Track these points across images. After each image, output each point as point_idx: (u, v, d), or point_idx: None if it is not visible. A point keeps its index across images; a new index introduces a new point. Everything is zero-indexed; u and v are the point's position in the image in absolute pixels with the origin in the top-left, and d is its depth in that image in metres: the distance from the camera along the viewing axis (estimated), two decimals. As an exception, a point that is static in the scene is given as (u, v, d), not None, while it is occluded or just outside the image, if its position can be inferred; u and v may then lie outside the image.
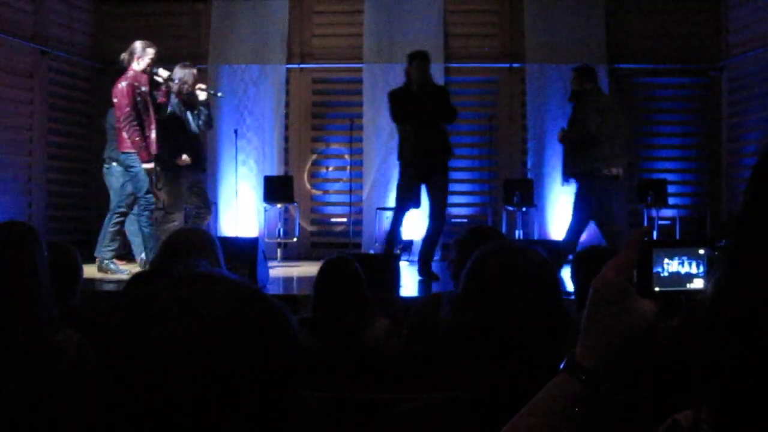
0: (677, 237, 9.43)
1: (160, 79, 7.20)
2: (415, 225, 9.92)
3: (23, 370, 2.15)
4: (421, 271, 7.15)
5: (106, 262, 7.43)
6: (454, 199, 10.57)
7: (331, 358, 3.12)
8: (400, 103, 7.15)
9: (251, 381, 0.91)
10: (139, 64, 7.03)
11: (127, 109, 6.84)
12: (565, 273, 5.31)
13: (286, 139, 10.72)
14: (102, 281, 6.86)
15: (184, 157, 7.13)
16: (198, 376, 0.89)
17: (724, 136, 10.17)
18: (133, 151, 6.96)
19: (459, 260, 3.28)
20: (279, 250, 10.05)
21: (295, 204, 10.29)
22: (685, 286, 0.98)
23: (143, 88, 6.99)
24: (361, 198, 10.38)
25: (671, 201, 10.00)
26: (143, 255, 7.41)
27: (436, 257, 9.93)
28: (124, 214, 7.50)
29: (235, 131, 10.06)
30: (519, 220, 10.12)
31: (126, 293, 3.17)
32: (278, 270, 8.49)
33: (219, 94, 8.54)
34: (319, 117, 10.89)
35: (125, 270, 7.35)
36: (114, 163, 7.74)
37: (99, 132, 10.55)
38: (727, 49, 10.07)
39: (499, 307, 1.62)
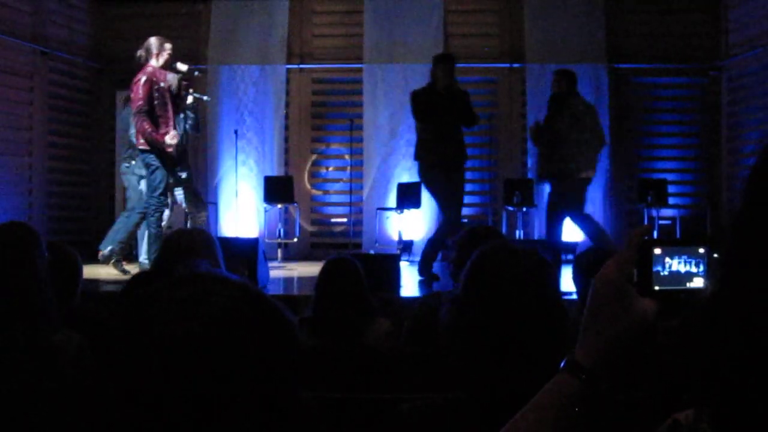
0: (677, 236, 9.43)
1: (179, 74, 7.20)
2: (415, 225, 9.95)
3: (23, 370, 2.15)
4: (421, 271, 7.14)
5: (115, 261, 7.45)
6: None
7: (331, 358, 3.12)
8: (424, 103, 7.17)
9: (252, 381, 0.91)
10: (158, 61, 7.00)
11: (140, 102, 6.81)
12: (565, 273, 5.32)
13: (286, 140, 10.72)
14: (102, 282, 6.86)
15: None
16: (198, 376, 0.89)
17: (723, 135, 10.17)
18: (147, 149, 6.94)
19: (458, 260, 3.29)
20: (279, 251, 10.05)
21: (295, 204, 10.29)
22: (685, 284, 0.98)
23: (162, 84, 6.95)
24: (362, 198, 10.38)
25: (671, 201, 10.00)
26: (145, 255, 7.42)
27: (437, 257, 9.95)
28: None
29: (235, 132, 10.06)
30: (519, 220, 10.13)
31: (126, 294, 3.17)
32: (278, 270, 8.49)
33: (205, 98, 8.49)
34: (319, 117, 10.89)
35: (128, 272, 7.35)
36: (133, 162, 7.77)
37: (98, 132, 10.59)
38: (726, 48, 10.08)
39: (498, 307, 1.62)
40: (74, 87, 10.34)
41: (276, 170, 10.50)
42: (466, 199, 10.49)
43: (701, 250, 0.99)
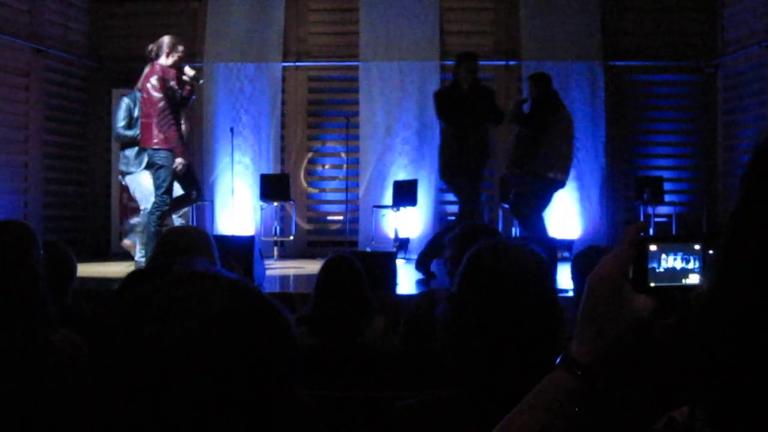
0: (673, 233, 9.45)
1: (186, 78, 7.19)
2: (411, 223, 9.95)
3: (20, 370, 2.14)
4: (419, 267, 7.11)
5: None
6: (451, 196, 10.58)
7: (330, 357, 3.12)
8: (447, 103, 7.14)
9: (249, 379, 0.91)
10: (167, 60, 7.00)
11: (162, 103, 6.81)
12: (562, 270, 5.33)
13: (282, 137, 10.72)
14: (96, 280, 6.84)
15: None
16: (196, 374, 0.89)
17: (720, 133, 10.19)
18: (162, 147, 6.91)
19: (455, 258, 3.28)
20: (275, 249, 10.05)
21: (292, 202, 10.28)
22: (681, 281, 0.98)
23: (171, 83, 6.96)
24: (358, 196, 10.39)
25: (667, 198, 10.01)
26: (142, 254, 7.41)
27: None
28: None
29: (231, 129, 10.05)
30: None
31: (122, 292, 3.16)
32: (275, 268, 8.49)
33: (201, 81, 8.34)
34: (315, 115, 10.89)
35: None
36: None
37: (94, 130, 10.57)
38: (722, 46, 10.09)
39: (494, 305, 1.62)
40: (70, 85, 10.32)
41: (272, 168, 10.49)
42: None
43: (697, 247, 0.99)
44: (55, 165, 9.95)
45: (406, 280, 7.03)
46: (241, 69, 10.57)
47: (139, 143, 7.27)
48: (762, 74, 9.08)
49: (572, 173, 10.02)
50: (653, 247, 0.98)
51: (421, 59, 10.38)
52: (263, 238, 9.84)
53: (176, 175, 6.94)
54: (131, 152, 7.68)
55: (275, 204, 10.21)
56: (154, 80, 6.84)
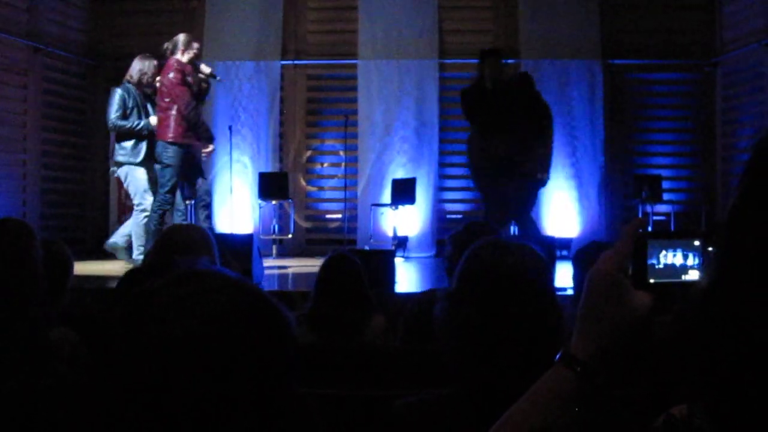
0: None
1: (202, 75, 7.27)
2: (409, 221, 9.95)
3: (19, 368, 2.14)
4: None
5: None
6: (449, 195, 10.60)
7: (329, 355, 3.12)
8: (470, 101, 7.07)
9: (249, 378, 0.91)
10: (184, 56, 7.11)
11: (187, 97, 6.92)
12: (560, 269, 5.33)
13: (281, 136, 10.71)
14: (92, 278, 6.83)
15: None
16: (197, 373, 0.89)
17: (718, 131, 10.18)
18: (177, 141, 6.97)
19: (454, 256, 3.28)
20: (274, 247, 10.05)
21: (290, 200, 10.28)
22: (680, 277, 0.98)
23: (189, 78, 7.04)
24: (356, 194, 10.38)
25: (666, 196, 10.01)
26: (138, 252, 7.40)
27: (432, 253, 9.95)
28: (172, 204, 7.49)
29: (230, 128, 10.03)
30: (514, 216, 10.11)
31: (120, 291, 3.16)
32: (273, 267, 8.48)
33: (218, 78, 8.40)
34: (314, 113, 10.88)
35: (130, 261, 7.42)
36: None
37: (93, 129, 10.55)
38: (721, 44, 10.08)
39: (492, 304, 1.62)
40: (69, 83, 10.31)
41: (270, 166, 10.48)
42: (462, 195, 10.54)
43: (696, 243, 0.99)
44: (54, 163, 9.94)
45: (405, 278, 7.02)
46: (240, 67, 10.55)
47: (136, 133, 7.45)
48: (761, 72, 9.07)
49: (571, 171, 10.09)
50: (653, 244, 0.98)
51: (419, 57, 10.37)
52: (262, 237, 9.83)
53: (182, 171, 7.04)
54: (128, 143, 7.65)
55: (274, 202, 10.20)
56: (172, 75, 6.91)
